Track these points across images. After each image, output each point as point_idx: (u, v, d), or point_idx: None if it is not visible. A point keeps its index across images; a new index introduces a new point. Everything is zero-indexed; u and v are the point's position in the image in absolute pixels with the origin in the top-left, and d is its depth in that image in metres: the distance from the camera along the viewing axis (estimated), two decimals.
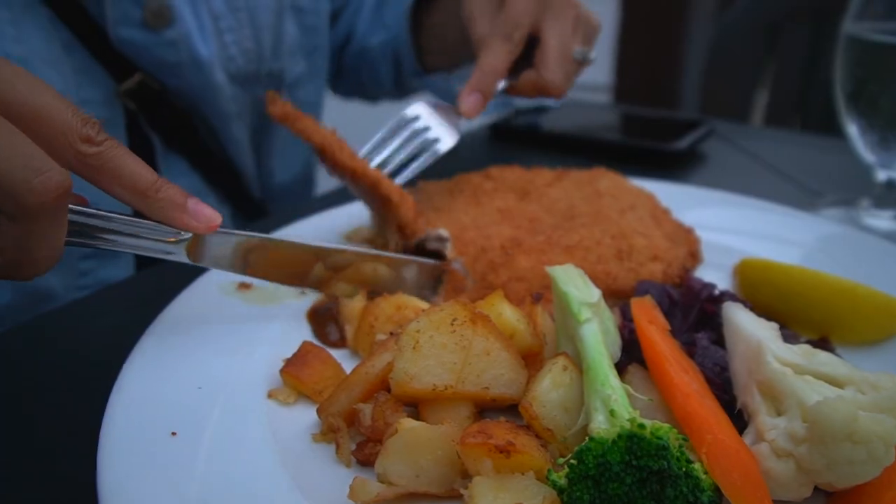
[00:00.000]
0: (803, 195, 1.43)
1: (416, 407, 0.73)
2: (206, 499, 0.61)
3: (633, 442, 0.58)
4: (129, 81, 1.24)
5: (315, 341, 0.87)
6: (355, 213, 1.17)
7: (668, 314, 0.82)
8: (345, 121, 2.05)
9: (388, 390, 0.72)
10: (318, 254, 0.92)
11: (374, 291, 0.95)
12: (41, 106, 0.66)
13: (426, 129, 1.11)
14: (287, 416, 0.75)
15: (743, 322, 0.74)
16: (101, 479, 0.62)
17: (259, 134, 1.54)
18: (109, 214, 0.74)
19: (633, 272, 0.94)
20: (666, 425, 0.59)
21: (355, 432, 0.72)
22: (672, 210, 1.14)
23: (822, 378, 0.64)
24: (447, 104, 1.15)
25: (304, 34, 1.53)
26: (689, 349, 0.77)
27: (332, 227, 1.14)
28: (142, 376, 0.75)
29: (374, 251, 0.99)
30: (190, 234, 0.78)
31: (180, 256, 0.80)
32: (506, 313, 0.77)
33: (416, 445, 0.64)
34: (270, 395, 0.76)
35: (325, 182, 1.77)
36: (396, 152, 1.10)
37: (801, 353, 0.67)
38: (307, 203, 1.44)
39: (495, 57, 1.11)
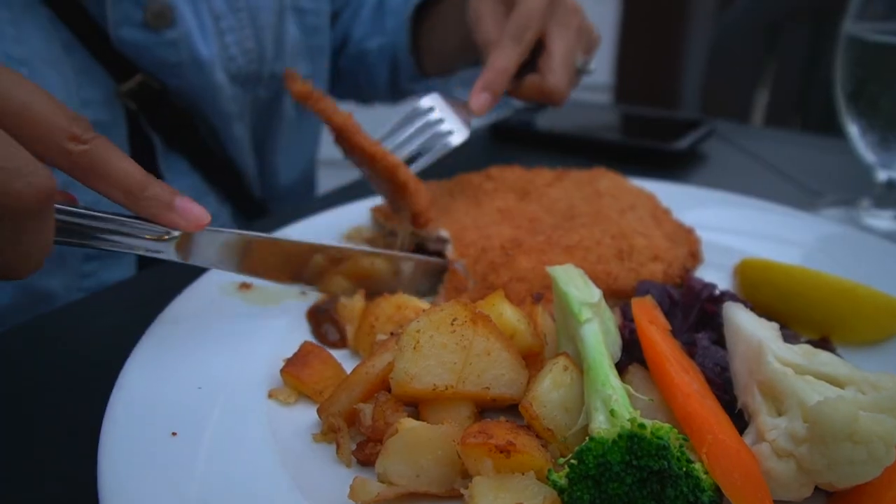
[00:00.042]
0: (803, 195, 1.43)
1: (416, 407, 0.72)
2: (206, 499, 0.61)
3: (633, 442, 0.58)
4: (130, 82, 1.24)
5: (315, 341, 0.87)
6: (355, 213, 1.17)
7: (668, 314, 0.82)
8: None
9: (389, 390, 0.72)
10: (313, 250, 0.92)
11: (374, 291, 0.95)
12: (27, 104, 0.65)
13: (440, 120, 1.11)
14: (287, 416, 0.75)
15: (743, 322, 0.74)
16: (102, 479, 0.62)
17: (261, 134, 1.54)
18: (97, 213, 0.73)
19: (634, 272, 0.94)
20: (666, 425, 0.59)
21: (356, 432, 0.72)
22: (672, 210, 1.14)
23: (822, 378, 0.64)
24: (459, 100, 1.16)
25: (306, 35, 1.53)
26: (690, 349, 0.77)
27: (333, 227, 1.14)
28: (142, 376, 0.75)
29: (370, 248, 0.99)
30: (179, 232, 0.78)
31: (170, 255, 0.79)
32: (506, 313, 0.77)
33: (416, 445, 0.64)
34: (271, 395, 0.76)
35: (326, 182, 1.77)
36: (409, 141, 1.10)
37: (801, 353, 0.67)
38: (308, 203, 1.44)
39: (505, 57, 1.12)
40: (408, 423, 0.66)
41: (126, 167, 0.72)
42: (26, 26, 1.12)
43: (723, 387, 0.72)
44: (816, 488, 0.61)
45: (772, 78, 2.81)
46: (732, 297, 0.83)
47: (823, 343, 0.85)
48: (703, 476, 0.58)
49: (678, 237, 1.06)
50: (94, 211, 0.74)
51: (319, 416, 0.73)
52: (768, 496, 0.58)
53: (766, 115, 2.87)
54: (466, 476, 0.64)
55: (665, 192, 1.19)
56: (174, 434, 0.68)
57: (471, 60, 1.50)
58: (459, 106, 1.14)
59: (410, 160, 1.09)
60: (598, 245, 0.97)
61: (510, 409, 0.72)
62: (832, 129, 1.44)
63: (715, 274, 0.98)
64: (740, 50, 2.86)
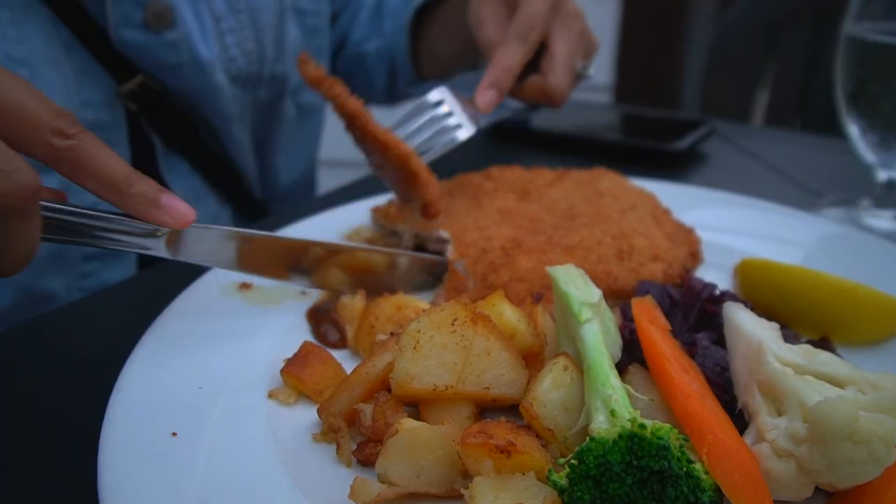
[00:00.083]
0: (804, 195, 1.43)
1: (416, 407, 0.72)
2: (206, 499, 0.61)
3: (633, 442, 0.58)
4: (131, 83, 1.25)
5: (315, 341, 0.87)
6: (355, 213, 1.17)
7: (668, 314, 0.82)
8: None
9: (389, 390, 0.72)
10: (307, 245, 0.92)
11: (370, 285, 0.95)
12: (11, 98, 0.65)
13: (448, 114, 1.11)
14: (287, 416, 0.75)
15: (744, 322, 0.74)
16: (102, 479, 0.62)
17: (261, 135, 1.54)
18: (84, 210, 0.73)
19: (634, 272, 0.94)
20: (667, 425, 0.59)
21: (356, 432, 0.72)
22: (673, 210, 1.14)
23: (822, 378, 0.64)
24: (466, 95, 1.16)
25: (306, 36, 1.53)
26: (690, 349, 0.77)
27: (333, 227, 1.14)
28: (142, 376, 0.75)
29: (367, 246, 0.99)
30: (169, 229, 0.78)
31: (161, 251, 0.79)
32: (506, 313, 0.77)
33: (416, 445, 0.64)
34: (271, 396, 0.76)
35: (326, 182, 1.77)
36: (417, 133, 1.10)
37: (801, 353, 0.67)
38: (308, 203, 1.44)
39: (511, 56, 1.13)
40: (408, 424, 0.66)
41: (112, 163, 0.72)
42: (27, 27, 1.12)
43: (723, 387, 0.72)
44: (817, 488, 0.61)
45: (772, 78, 2.81)
46: (732, 297, 0.83)
47: (823, 343, 0.85)
48: (704, 476, 0.58)
49: (678, 237, 1.06)
50: (82, 208, 0.73)
51: (319, 417, 0.73)
52: (768, 496, 0.58)
53: (767, 116, 2.87)
54: (467, 476, 0.64)
55: (665, 192, 1.19)
56: (174, 434, 0.68)
57: (468, 64, 1.50)
58: (466, 101, 1.14)
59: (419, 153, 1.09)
60: (598, 245, 0.97)
61: (510, 410, 0.72)
62: (832, 129, 1.44)
63: (715, 274, 0.98)
64: (740, 50, 2.86)
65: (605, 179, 1.17)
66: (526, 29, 1.14)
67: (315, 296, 0.96)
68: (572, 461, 0.60)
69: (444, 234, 1.02)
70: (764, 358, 0.67)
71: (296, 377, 0.77)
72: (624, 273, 0.94)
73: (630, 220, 1.04)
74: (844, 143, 1.30)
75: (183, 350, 0.81)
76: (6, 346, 0.92)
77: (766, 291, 0.93)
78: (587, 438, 0.61)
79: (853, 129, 1.25)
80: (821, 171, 1.56)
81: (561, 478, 0.60)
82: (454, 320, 0.70)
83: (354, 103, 0.97)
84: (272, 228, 1.12)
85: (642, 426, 0.59)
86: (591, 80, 1.33)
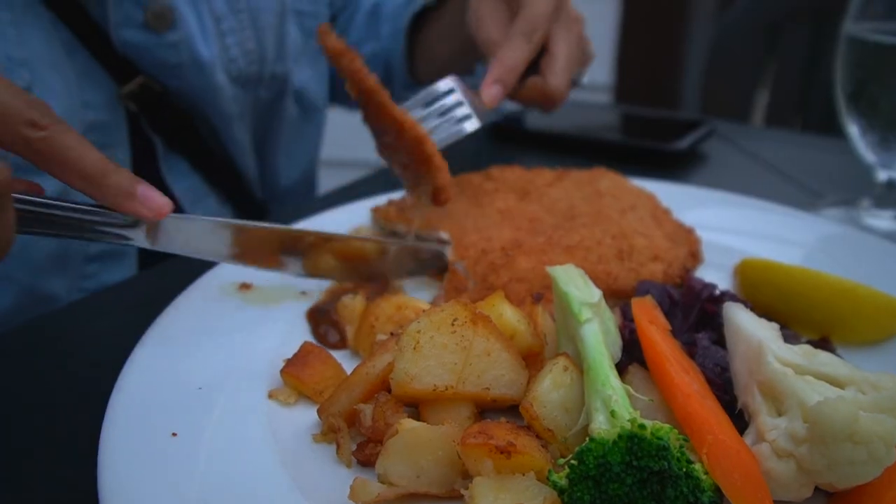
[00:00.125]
0: (804, 195, 1.43)
1: (416, 407, 0.72)
2: (206, 499, 0.61)
3: (633, 442, 0.58)
4: (131, 84, 1.25)
5: (315, 342, 0.87)
6: (355, 213, 1.17)
7: (668, 314, 0.82)
8: (347, 124, 2.05)
9: (389, 391, 0.72)
10: (290, 235, 0.91)
11: (364, 277, 0.94)
12: None
13: (458, 104, 1.11)
14: (287, 416, 0.75)
15: (744, 322, 0.74)
16: (102, 480, 0.62)
17: (262, 135, 1.54)
18: (60, 202, 0.73)
19: (634, 272, 0.94)
20: (666, 426, 0.59)
21: (356, 433, 0.72)
22: (673, 210, 1.14)
23: (822, 378, 0.64)
24: (473, 89, 1.15)
25: (306, 37, 1.53)
26: (690, 349, 0.77)
27: (333, 227, 1.14)
28: (142, 377, 0.75)
29: (353, 236, 0.98)
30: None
31: (140, 241, 0.79)
32: (506, 314, 0.77)
33: (416, 446, 0.64)
34: (271, 396, 0.76)
35: (326, 182, 1.77)
36: (425, 120, 1.09)
37: (801, 353, 0.67)
38: (308, 203, 1.44)
39: (516, 53, 1.13)
40: (408, 424, 0.66)
41: (86, 154, 0.71)
42: (27, 28, 1.12)
43: (723, 387, 0.72)
44: (816, 488, 0.61)
45: (772, 78, 2.81)
46: (732, 297, 0.83)
47: (823, 343, 0.85)
48: (704, 476, 0.58)
49: (678, 237, 1.06)
50: (57, 200, 0.73)
51: (319, 417, 0.73)
52: (768, 496, 0.58)
53: (767, 116, 2.87)
54: (467, 477, 0.64)
55: (665, 192, 1.19)
56: (174, 434, 0.68)
57: (464, 68, 1.51)
58: (473, 94, 1.14)
59: None
60: (598, 245, 0.97)
61: (510, 410, 0.72)
62: (832, 129, 1.44)
63: (715, 274, 0.98)
64: (740, 50, 2.85)
65: (605, 179, 1.17)
66: (531, 28, 1.14)
67: (315, 296, 0.96)
68: (572, 461, 0.60)
69: (444, 234, 1.02)
70: (764, 358, 0.67)
71: (296, 377, 0.77)
72: (624, 273, 0.94)
73: (630, 220, 1.04)
74: (844, 143, 1.30)
75: (183, 350, 0.81)
76: (6, 346, 0.92)
77: (766, 291, 0.93)
78: (587, 439, 0.61)
79: (853, 129, 1.25)
80: (821, 171, 1.56)
81: (561, 478, 0.60)
82: (454, 321, 0.70)
83: (373, 80, 0.95)
84: None
85: (642, 426, 0.59)
86: (583, 87, 1.33)
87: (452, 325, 0.70)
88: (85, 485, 0.64)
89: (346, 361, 0.82)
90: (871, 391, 0.62)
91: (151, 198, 0.76)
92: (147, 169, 1.33)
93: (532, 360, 0.76)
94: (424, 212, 1.05)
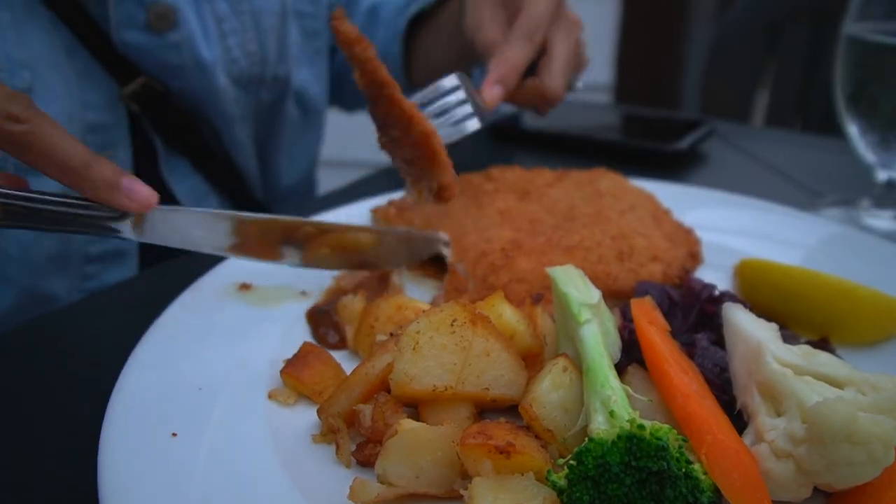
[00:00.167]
0: (804, 195, 1.43)
1: (416, 408, 0.73)
2: (206, 499, 0.61)
3: (632, 443, 0.58)
4: (133, 84, 1.25)
5: (315, 342, 0.87)
6: (355, 214, 1.17)
7: (668, 315, 0.82)
8: (347, 124, 2.05)
9: (388, 391, 0.72)
10: (283, 224, 0.91)
11: (356, 262, 0.94)
12: None
13: (462, 102, 1.10)
14: (287, 416, 0.75)
15: (743, 323, 0.74)
16: (102, 480, 0.62)
17: (263, 136, 1.54)
18: (41, 195, 0.72)
19: (634, 273, 0.94)
20: (665, 426, 0.59)
21: (355, 433, 0.72)
22: (672, 210, 1.14)
23: (821, 379, 0.64)
24: (475, 88, 1.15)
25: (306, 38, 1.53)
26: (689, 350, 0.77)
27: None
28: (142, 377, 0.76)
29: (349, 224, 0.98)
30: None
31: (128, 233, 0.78)
32: (506, 314, 0.77)
33: (415, 446, 0.64)
34: (271, 396, 0.76)
35: (326, 183, 1.77)
36: (429, 118, 1.08)
37: (800, 353, 0.67)
38: (308, 203, 1.44)
39: (517, 53, 1.13)
40: (407, 424, 0.66)
41: (69, 147, 0.71)
42: (28, 29, 1.12)
43: (722, 387, 0.72)
44: (815, 489, 0.61)
45: (772, 78, 2.81)
46: (732, 298, 0.83)
47: (823, 344, 0.85)
48: (703, 477, 0.58)
49: (678, 238, 1.06)
50: (41, 193, 0.72)
51: (319, 417, 0.73)
52: (767, 497, 0.58)
53: (767, 116, 2.87)
54: (466, 477, 0.64)
55: (665, 193, 1.19)
56: (174, 434, 0.68)
57: (460, 71, 1.50)
58: (476, 93, 1.13)
59: None
60: (598, 246, 0.97)
61: (510, 410, 0.72)
62: (833, 129, 1.44)
63: (715, 274, 0.98)
64: (740, 50, 2.85)
65: (605, 180, 1.18)
66: (532, 29, 1.14)
67: (315, 297, 0.96)
68: (571, 462, 0.60)
69: (444, 235, 1.02)
70: (763, 358, 0.67)
71: (296, 378, 0.77)
72: (623, 274, 0.94)
73: (630, 221, 1.04)
74: (844, 143, 1.30)
75: (183, 350, 0.81)
76: (7, 346, 0.92)
77: (765, 292, 0.93)
78: (586, 439, 0.61)
79: (853, 130, 1.25)
80: (821, 172, 1.56)
81: (560, 478, 0.60)
82: (454, 321, 0.70)
83: (386, 71, 0.93)
84: None
85: (641, 427, 0.59)
86: (577, 92, 1.34)
87: (452, 325, 0.70)
88: (85, 485, 0.64)
89: (345, 362, 0.82)
90: (870, 392, 0.62)
91: (136, 190, 0.75)
92: (148, 169, 1.34)
93: (531, 361, 0.76)
94: (425, 209, 1.04)
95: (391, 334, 0.81)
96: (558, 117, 1.84)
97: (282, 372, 0.78)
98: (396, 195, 1.17)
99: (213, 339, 0.84)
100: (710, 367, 0.74)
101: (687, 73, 3.78)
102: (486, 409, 0.74)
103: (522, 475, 0.61)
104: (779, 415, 0.64)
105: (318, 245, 0.93)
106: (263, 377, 0.79)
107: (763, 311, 0.82)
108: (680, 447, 0.59)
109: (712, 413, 0.65)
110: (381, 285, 0.99)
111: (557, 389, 0.68)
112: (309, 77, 1.56)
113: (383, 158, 1.08)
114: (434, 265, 1.04)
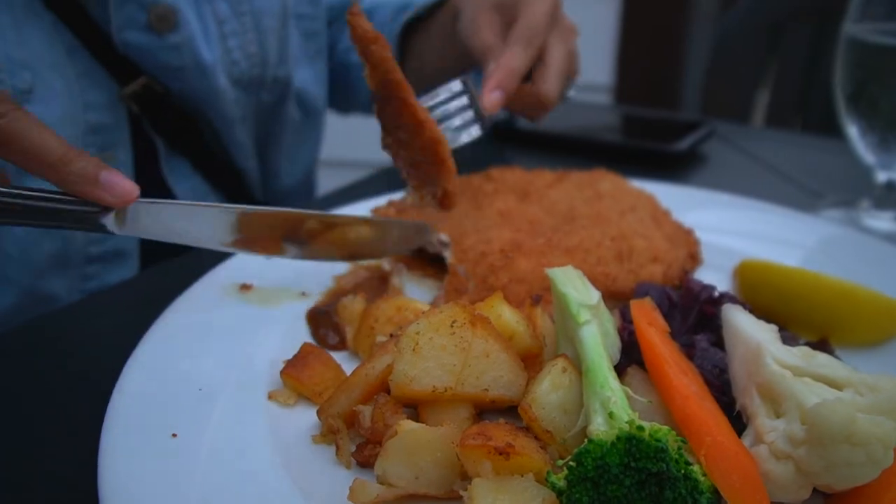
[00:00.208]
0: (804, 196, 1.43)
1: (415, 409, 0.73)
2: (206, 499, 0.62)
3: (631, 444, 0.58)
4: (133, 85, 1.25)
5: (315, 343, 0.87)
6: (356, 214, 1.17)
7: (667, 316, 0.82)
8: (347, 125, 2.05)
9: (388, 392, 0.72)
10: (288, 218, 0.90)
11: (357, 256, 0.95)
12: None
13: (466, 107, 1.10)
14: (287, 417, 0.75)
15: (742, 324, 0.74)
16: (102, 480, 0.62)
17: (263, 137, 1.54)
18: (21, 191, 0.72)
19: (633, 274, 0.94)
20: (665, 427, 0.59)
21: (355, 434, 0.72)
22: (672, 211, 1.14)
23: (821, 380, 0.64)
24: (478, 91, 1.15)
25: (306, 40, 1.53)
26: (689, 351, 0.77)
27: None
28: (142, 377, 0.76)
29: (347, 215, 0.98)
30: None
31: (112, 227, 0.78)
32: (505, 315, 0.77)
33: (415, 447, 0.64)
34: (271, 397, 0.77)
35: (326, 183, 1.77)
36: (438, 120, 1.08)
37: (800, 355, 0.67)
38: (309, 204, 1.44)
39: (516, 58, 1.13)
40: (407, 425, 0.66)
41: (47, 141, 0.71)
42: (28, 29, 1.12)
43: (721, 389, 0.72)
44: (815, 490, 0.61)
45: (773, 79, 2.80)
46: (731, 299, 0.83)
47: (822, 345, 0.85)
48: (702, 478, 0.58)
49: (678, 239, 1.06)
50: (24, 188, 0.72)
51: (319, 418, 0.73)
52: (766, 498, 0.58)
53: (767, 116, 2.87)
54: (465, 478, 0.64)
55: (665, 194, 1.19)
56: (174, 435, 0.68)
57: (455, 75, 1.51)
58: (479, 98, 1.13)
59: None
60: (597, 247, 0.97)
61: (509, 411, 0.72)
62: (833, 129, 1.44)
63: (714, 275, 0.98)
64: (742, 50, 2.85)
65: (606, 181, 1.18)
66: (530, 35, 1.15)
67: (315, 297, 0.96)
68: (571, 463, 0.60)
69: (444, 237, 1.02)
70: (762, 360, 0.67)
71: (295, 378, 0.77)
72: (623, 275, 0.94)
73: (630, 222, 1.04)
74: (844, 144, 1.30)
75: (183, 350, 0.81)
76: (7, 346, 0.93)
77: (765, 293, 0.93)
78: (585, 440, 0.61)
79: (853, 130, 1.25)
80: (821, 172, 1.56)
81: (559, 479, 0.60)
82: (453, 322, 0.71)
83: (400, 73, 0.93)
84: None
85: (640, 428, 0.59)
86: (567, 101, 1.35)
87: (451, 326, 0.70)
88: (85, 485, 0.64)
89: (345, 363, 0.83)
90: (870, 393, 0.62)
91: (115, 183, 0.74)
92: (149, 170, 1.34)
93: (531, 362, 0.76)
94: (424, 210, 1.04)
95: (391, 335, 0.81)
96: (558, 118, 1.84)
97: (282, 372, 0.78)
98: (396, 195, 1.17)
99: (213, 340, 0.84)
100: (709, 369, 0.74)
101: (687, 74, 3.78)
102: (485, 410, 0.74)
103: (522, 476, 0.61)
104: (778, 416, 0.64)
105: (320, 241, 0.93)
106: (263, 377, 0.79)
107: (763, 312, 0.82)
108: (679, 448, 0.59)
109: (712, 414, 0.65)
110: (381, 286, 0.99)
111: (557, 390, 0.68)
112: (309, 78, 1.56)
113: (383, 159, 1.08)
114: (434, 266, 1.04)
